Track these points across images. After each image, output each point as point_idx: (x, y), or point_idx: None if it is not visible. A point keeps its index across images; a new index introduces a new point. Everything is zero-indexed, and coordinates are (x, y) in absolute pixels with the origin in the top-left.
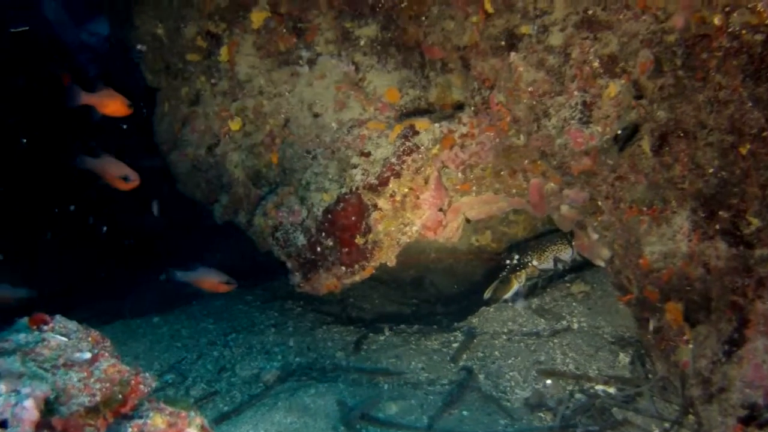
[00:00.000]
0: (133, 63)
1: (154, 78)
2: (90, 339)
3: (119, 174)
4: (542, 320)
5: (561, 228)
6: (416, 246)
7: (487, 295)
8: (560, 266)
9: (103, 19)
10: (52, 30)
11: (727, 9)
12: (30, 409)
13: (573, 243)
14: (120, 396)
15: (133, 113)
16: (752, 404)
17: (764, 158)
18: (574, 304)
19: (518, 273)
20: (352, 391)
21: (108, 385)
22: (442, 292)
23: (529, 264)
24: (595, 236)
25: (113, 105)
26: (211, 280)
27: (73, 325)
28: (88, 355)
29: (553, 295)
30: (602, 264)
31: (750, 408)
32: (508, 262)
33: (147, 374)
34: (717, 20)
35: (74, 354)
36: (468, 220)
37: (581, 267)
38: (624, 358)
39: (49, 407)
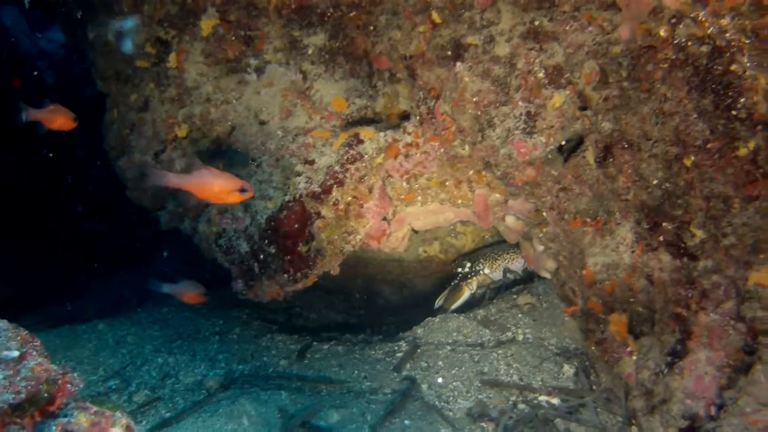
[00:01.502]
0: (87, 70)
1: (104, 84)
2: (19, 338)
3: (65, 118)
4: (487, 331)
5: (507, 240)
6: (363, 256)
7: (438, 303)
8: (510, 276)
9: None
10: (8, 36)
11: (673, 20)
12: None
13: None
14: (46, 395)
15: (89, 120)
16: (693, 415)
17: (708, 170)
18: (519, 315)
19: (469, 281)
20: (294, 399)
21: (34, 383)
22: (389, 303)
23: (481, 272)
24: (540, 248)
25: (60, 120)
26: (191, 292)
27: (3, 323)
28: (15, 354)
29: (499, 307)
30: (548, 275)
31: (691, 419)
32: (459, 270)
33: (75, 374)
34: (663, 32)
35: (2, 352)
36: (415, 231)
37: (530, 278)
38: (568, 369)
39: None
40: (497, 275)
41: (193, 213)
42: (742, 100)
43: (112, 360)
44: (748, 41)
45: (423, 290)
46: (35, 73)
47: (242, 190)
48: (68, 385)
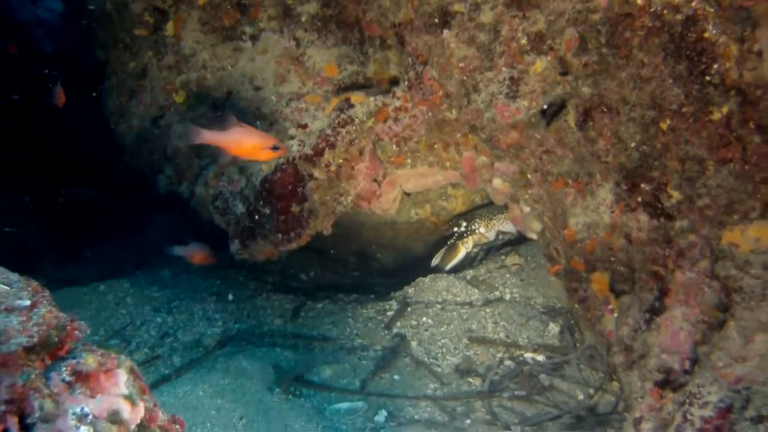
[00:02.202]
0: (87, 38)
1: (104, 53)
2: (30, 288)
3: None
4: (476, 290)
5: (495, 201)
6: (357, 219)
7: (435, 261)
8: (502, 237)
9: None
10: (5, 4)
11: None
12: None
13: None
14: (56, 339)
15: (88, 88)
16: (668, 369)
17: (683, 133)
18: (507, 275)
19: (465, 239)
20: (288, 356)
21: (45, 328)
22: (383, 265)
23: (476, 231)
24: (526, 209)
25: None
26: (201, 253)
27: (14, 276)
28: (27, 302)
29: (488, 267)
30: (534, 236)
31: (666, 373)
32: (455, 229)
33: (82, 321)
34: (640, 0)
35: (15, 301)
36: (407, 194)
37: (523, 239)
38: (554, 327)
39: None
40: (492, 234)
41: (191, 177)
42: (716, 66)
43: (112, 320)
44: (712, 10)
45: (416, 252)
46: (33, 41)
47: (275, 148)
48: (76, 331)
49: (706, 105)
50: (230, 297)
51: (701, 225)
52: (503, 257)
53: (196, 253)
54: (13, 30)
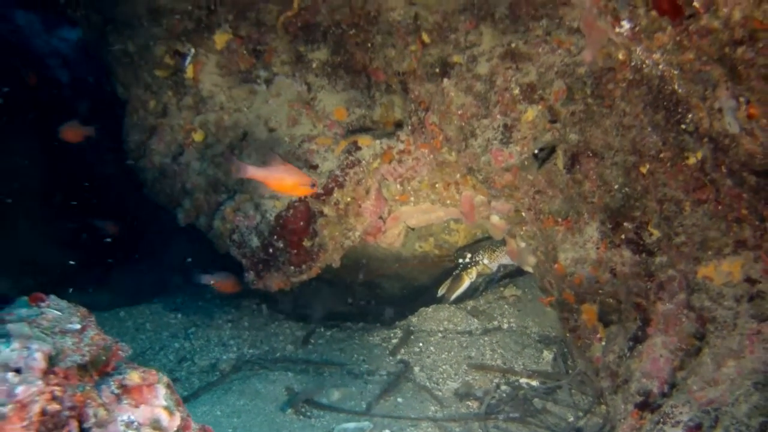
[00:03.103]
0: (101, 70)
1: (124, 91)
2: (79, 314)
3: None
4: (475, 320)
5: (493, 236)
6: (365, 252)
7: (441, 292)
8: (502, 270)
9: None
10: (22, 34)
11: (645, 43)
12: (39, 360)
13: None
14: (104, 358)
15: (103, 118)
16: (648, 392)
17: (662, 176)
18: (505, 306)
19: (469, 270)
20: (299, 379)
21: (95, 348)
22: (389, 294)
23: (480, 262)
24: (522, 244)
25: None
26: (228, 281)
27: (63, 303)
28: (78, 326)
29: (488, 298)
30: (530, 270)
31: (645, 395)
32: (460, 260)
33: (124, 344)
34: (621, 55)
35: (67, 324)
36: (412, 228)
37: (518, 273)
38: (548, 354)
39: (51, 361)
40: (495, 266)
41: (209, 211)
42: (690, 115)
43: (132, 345)
44: (676, 72)
45: (420, 282)
46: (48, 71)
47: (312, 185)
48: (120, 351)
49: (682, 151)
50: (245, 323)
51: (678, 260)
52: (502, 289)
53: (223, 282)
54: (30, 60)
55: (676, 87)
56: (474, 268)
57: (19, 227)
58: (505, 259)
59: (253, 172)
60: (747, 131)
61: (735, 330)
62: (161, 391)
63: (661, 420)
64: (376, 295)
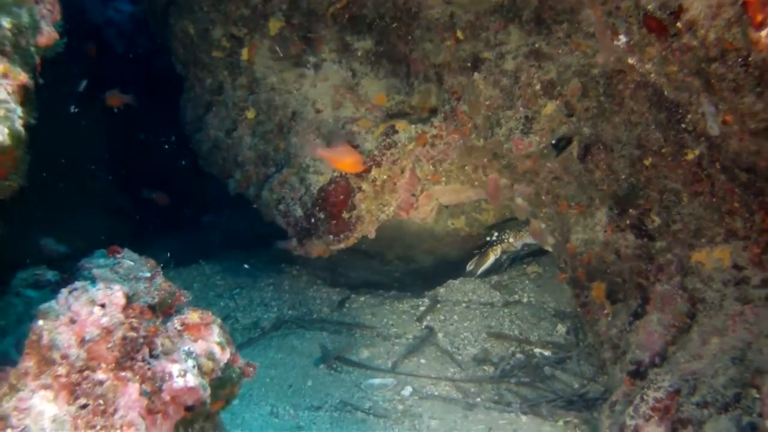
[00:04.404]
0: (156, 43)
1: (183, 68)
2: (148, 265)
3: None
4: (498, 293)
5: (518, 217)
6: (399, 227)
7: (469, 267)
8: (526, 248)
9: None
10: (80, 4)
11: (638, 55)
12: (120, 298)
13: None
14: (169, 301)
15: (158, 91)
16: (639, 362)
17: (663, 169)
18: (526, 281)
19: (495, 247)
20: (333, 339)
21: (162, 292)
22: (422, 267)
23: (506, 240)
24: (542, 225)
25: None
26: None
27: (135, 255)
28: (148, 274)
29: (511, 274)
30: (550, 249)
31: (637, 365)
32: (488, 238)
33: (186, 291)
34: (630, 60)
35: (139, 272)
36: (446, 207)
37: (541, 252)
38: (562, 328)
39: (128, 300)
40: (519, 244)
41: (258, 182)
42: (689, 116)
43: None
44: (664, 80)
45: (452, 257)
46: (105, 41)
47: (363, 164)
48: (182, 297)
49: (681, 147)
50: (285, 287)
51: (675, 245)
52: (525, 266)
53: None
54: (89, 31)
55: (666, 93)
56: (500, 245)
57: (84, 198)
58: (529, 239)
59: (322, 152)
60: (726, 134)
61: (721, 311)
62: (215, 329)
63: (646, 386)
64: (410, 267)
